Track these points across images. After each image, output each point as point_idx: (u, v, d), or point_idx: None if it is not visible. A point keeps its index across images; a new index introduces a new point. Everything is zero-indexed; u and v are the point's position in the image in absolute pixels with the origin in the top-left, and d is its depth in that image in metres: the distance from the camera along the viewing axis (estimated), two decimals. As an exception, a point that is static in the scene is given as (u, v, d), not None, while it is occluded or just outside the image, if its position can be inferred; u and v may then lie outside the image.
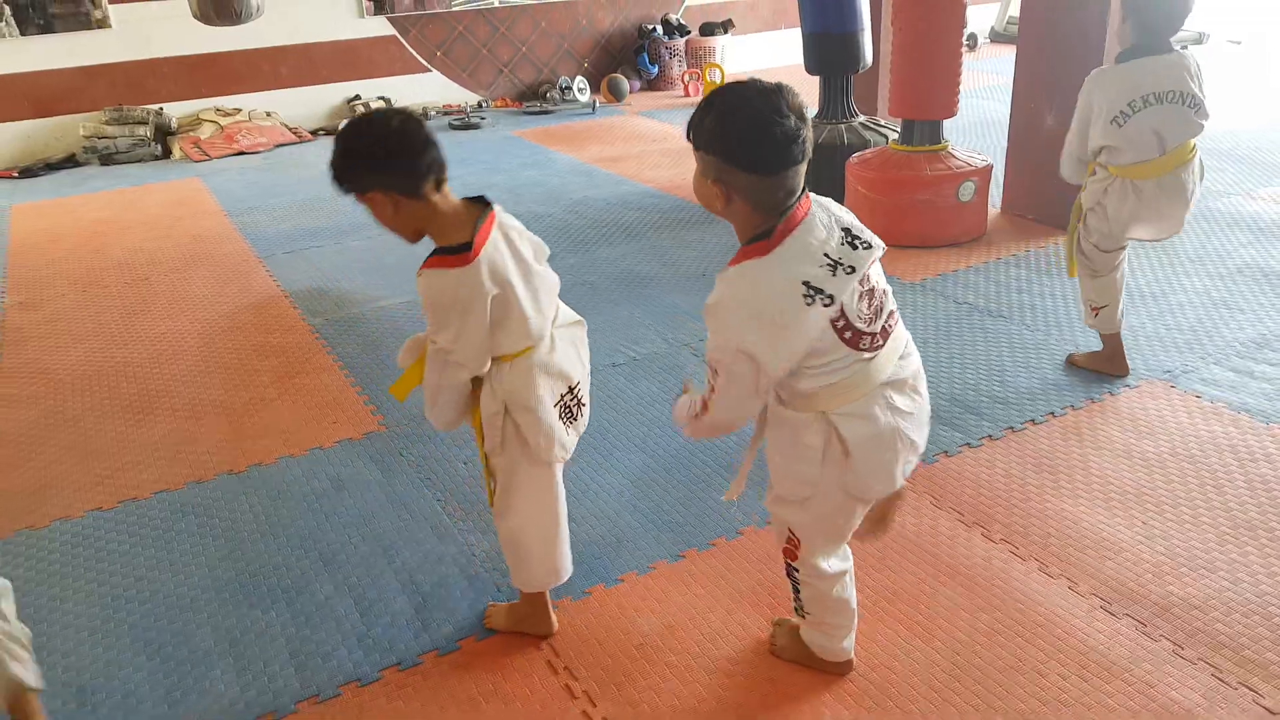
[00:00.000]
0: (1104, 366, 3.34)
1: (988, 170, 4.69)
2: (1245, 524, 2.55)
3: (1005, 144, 5.18)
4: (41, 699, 1.88)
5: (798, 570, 1.98)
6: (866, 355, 1.70)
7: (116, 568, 2.64)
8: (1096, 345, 3.42)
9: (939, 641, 2.20)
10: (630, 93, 9.32)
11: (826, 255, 1.64)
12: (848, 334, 1.66)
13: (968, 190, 4.58)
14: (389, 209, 1.91)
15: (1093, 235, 3.11)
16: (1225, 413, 3.08)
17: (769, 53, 10.30)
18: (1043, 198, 4.89)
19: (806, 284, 1.62)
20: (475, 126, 8.31)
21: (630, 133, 7.85)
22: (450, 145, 7.55)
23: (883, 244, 1.74)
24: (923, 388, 1.83)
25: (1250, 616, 2.23)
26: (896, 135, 4.90)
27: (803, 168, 1.63)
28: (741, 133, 1.59)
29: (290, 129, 8.15)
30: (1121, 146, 2.94)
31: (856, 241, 1.68)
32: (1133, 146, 2.93)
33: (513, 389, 2.01)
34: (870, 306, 1.69)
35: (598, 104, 8.94)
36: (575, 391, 2.11)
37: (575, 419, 2.12)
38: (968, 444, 2.99)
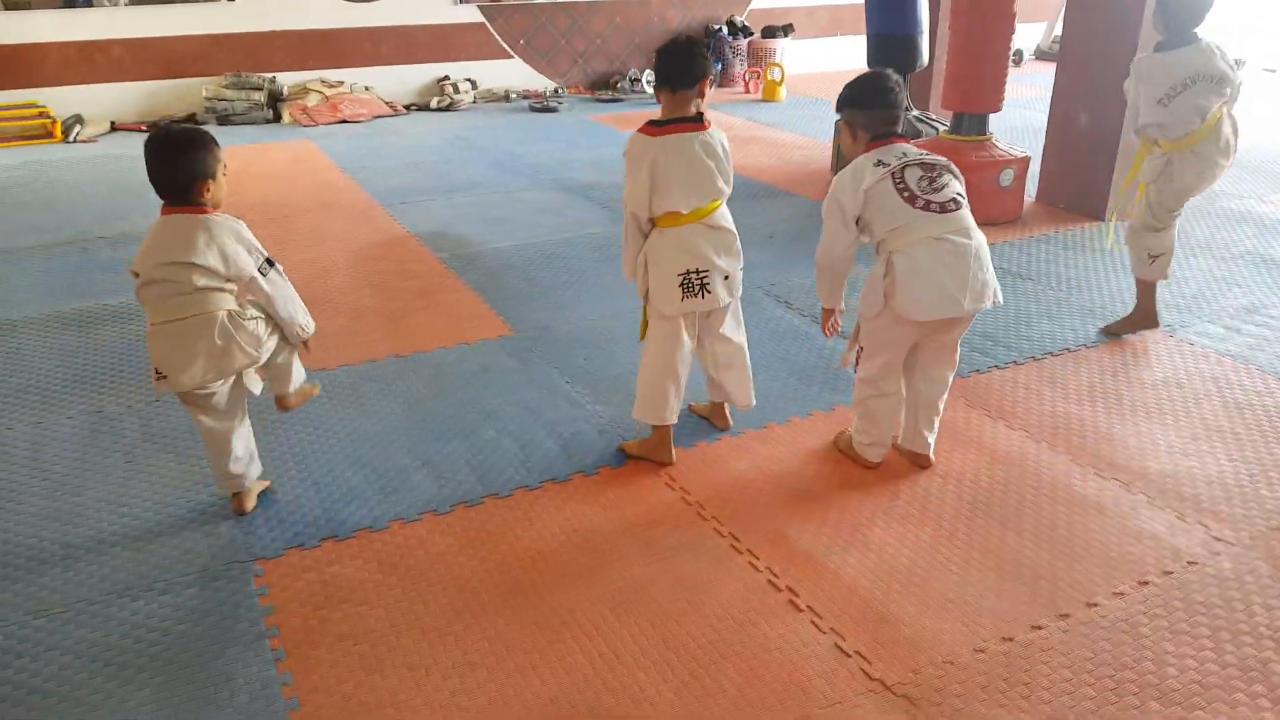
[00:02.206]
0: (1138, 324, 3.94)
1: (1025, 161, 5.36)
2: (1215, 428, 3.22)
3: (1041, 145, 5.84)
4: (287, 487, 2.66)
5: (857, 373, 2.89)
6: (921, 214, 2.64)
7: (320, 414, 3.37)
8: (1118, 314, 4.06)
9: (965, 488, 2.89)
10: (695, 87, 10.02)
11: (899, 154, 2.72)
12: (905, 194, 2.66)
13: (1007, 176, 5.26)
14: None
15: (1162, 200, 3.71)
16: (1212, 356, 3.74)
17: (825, 56, 10.99)
18: (1073, 189, 5.55)
19: (878, 160, 2.71)
20: (553, 110, 9.06)
21: (697, 122, 8.56)
22: (533, 125, 8.56)
23: (953, 169, 2.70)
24: (970, 261, 2.65)
25: (1210, 485, 2.90)
26: (947, 127, 5.59)
27: (894, 114, 2.70)
28: (862, 87, 2.78)
29: (386, 103, 8.94)
30: (1169, 123, 3.58)
31: (928, 155, 2.71)
32: (1180, 122, 3.57)
33: (651, 246, 2.83)
34: (931, 185, 2.67)
35: (666, 95, 9.65)
36: (701, 273, 2.81)
37: (695, 294, 2.83)
38: (995, 365, 3.68)
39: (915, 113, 6.23)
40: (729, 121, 8.48)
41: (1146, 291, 3.89)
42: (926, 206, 2.65)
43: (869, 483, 2.91)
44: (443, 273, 4.76)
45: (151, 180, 2.49)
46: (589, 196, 6.09)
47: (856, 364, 2.94)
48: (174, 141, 2.49)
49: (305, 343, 2.77)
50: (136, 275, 2.52)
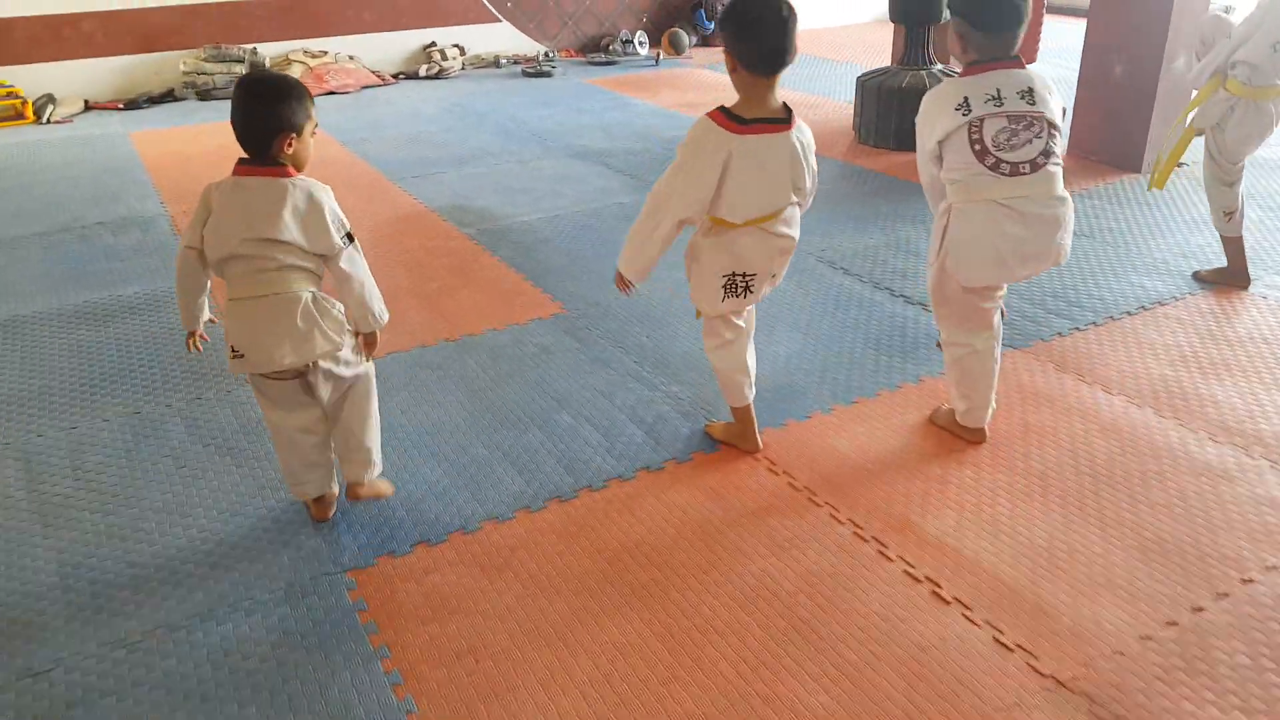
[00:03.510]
0: (1230, 280, 3.82)
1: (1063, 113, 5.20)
2: (1318, 385, 3.11)
3: (1073, 97, 5.69)
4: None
5: (940, 334, 2.80)
6: (988, 174, 2.45)
7: (383, 406, 3.15)
8: (1182, 270, 3.94)
9: (1082, 460, 2.75)
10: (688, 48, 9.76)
11: (992, 94, 2.44)
12: (977, 147, 2.45)
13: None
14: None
15: (1224, 150, 3.60)
16: (1291, 309, 3.63)
17: (816, 12, 10.74)
18: (1110, 141, 5.41)
19: (965, 98, 2.45)
20: (547, 74, 8.76)
21: (698, 82, 8.33)
22: (530, 91, 8.25)
23: (1059, 117, 2.48)
24: (1037, 229, 2.49)
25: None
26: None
27: (1010, 37, 2.46)
28: (982, 3, 2.47)
29: (373, 72, 8.59)
30: (1266, 68, 3.44)
31: (1029, 97, 2.44)
32: (1277, 71, 3.43)
33: (700, 245, 2.58)
34: (1009, 141, 2.44)
35: (660, 56, 9.39)
36: (748, 278, 2.57)
37: (737, 296, 2.60)
38: (1076, 328, 3.54)
39: (939, 66, 6.04)
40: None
41: (1234, 249, 3.77)
42: (995, 166, 2.44)
43: (979, 459, 2.76)
44: (474, 249, 4.52)
45: (234, 127, 2.26)
46: (607, 164, 5.85)
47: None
48: (263, 87, 2.25)
49: (369, 339, 2.48)
50: (201, 254, 2.29)
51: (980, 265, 2.54)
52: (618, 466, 2.79)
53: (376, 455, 2.55)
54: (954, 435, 2.85)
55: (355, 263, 2.37)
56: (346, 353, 2.40)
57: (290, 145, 2.26)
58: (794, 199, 2.51)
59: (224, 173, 2.30)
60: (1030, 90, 2.46)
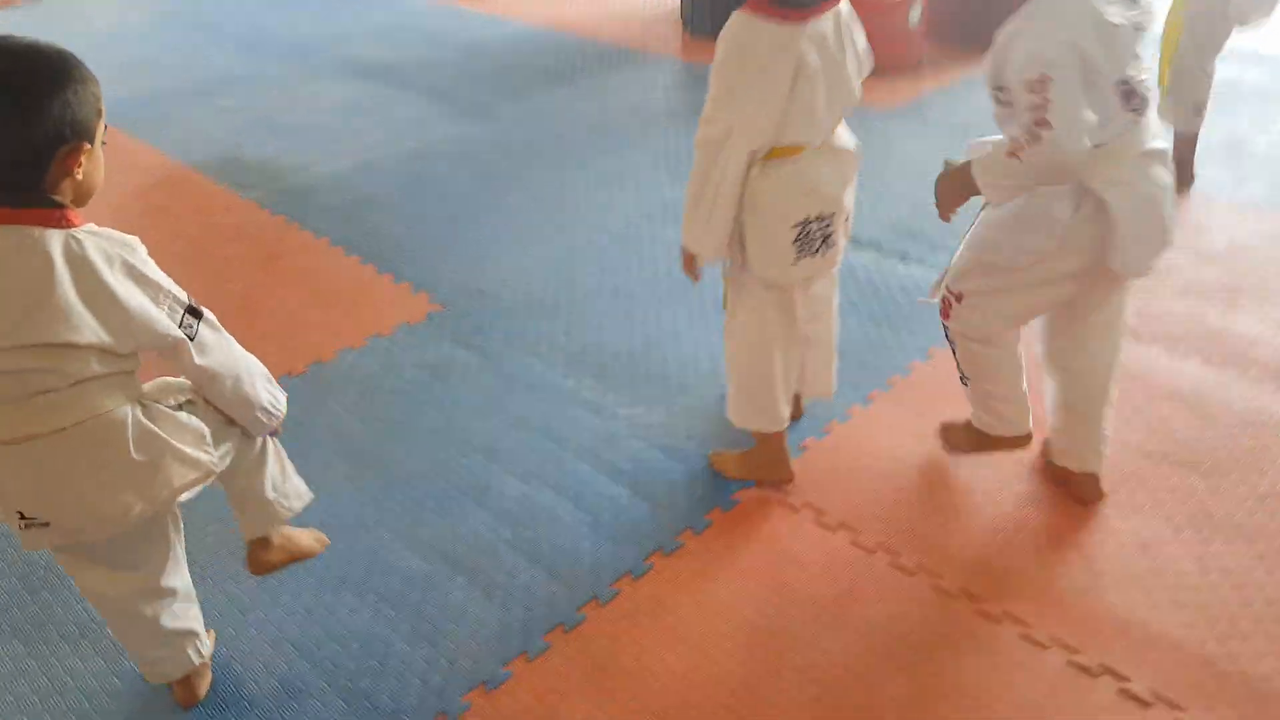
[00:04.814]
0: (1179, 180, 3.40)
1: (925, -7, 4.67)
2: (1329, 302, 2.80)
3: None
4: (243, 643, 1.50)
5: (952, 326, 1.96)
6: (1131, 118, 1.68)
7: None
8: None
9: (1202, 464, 2.26)
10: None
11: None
12: (1124, 86, 1.64)
13: (916, 14, 4.56)
14: None
15: (1214, 33, 3.14)
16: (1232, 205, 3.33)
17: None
18: (968, 21, 4.94)
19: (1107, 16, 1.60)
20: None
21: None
22: None
23: None
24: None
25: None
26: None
27: None
28: None
29: (43, -26, 6.64)
30: None
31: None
32: None
33: (758, 188, 1.81)
34: (1139, 67, 1.69)
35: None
36: (825, 220, 1.87)
37: (814, 252, 1.90)
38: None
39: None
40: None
41: (1189, 146, 3.39)
42: (1137, 104, 1.70)
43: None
44: (273, 223, 3.37)
45: None
46: (402, 83, 4.71)
47: (945, 319, 1.99)
48: (14, 64, 1.21)
49: (275, 430, 1.60)
50: None
51: (1155, 244, 1.78)
52: (618, 556, 1.98)
53: (291, 497, 1.68)
54: (991, 449, 2.13)
55: (213, 348, 1.42)
56: (219, 452, 1.48)
57: (79, 165, 1.26)
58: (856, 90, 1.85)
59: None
60: None
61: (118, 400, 1.33)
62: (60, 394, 1.27)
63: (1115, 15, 1.59)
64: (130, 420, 1.34)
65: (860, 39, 1.84)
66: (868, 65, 1.86)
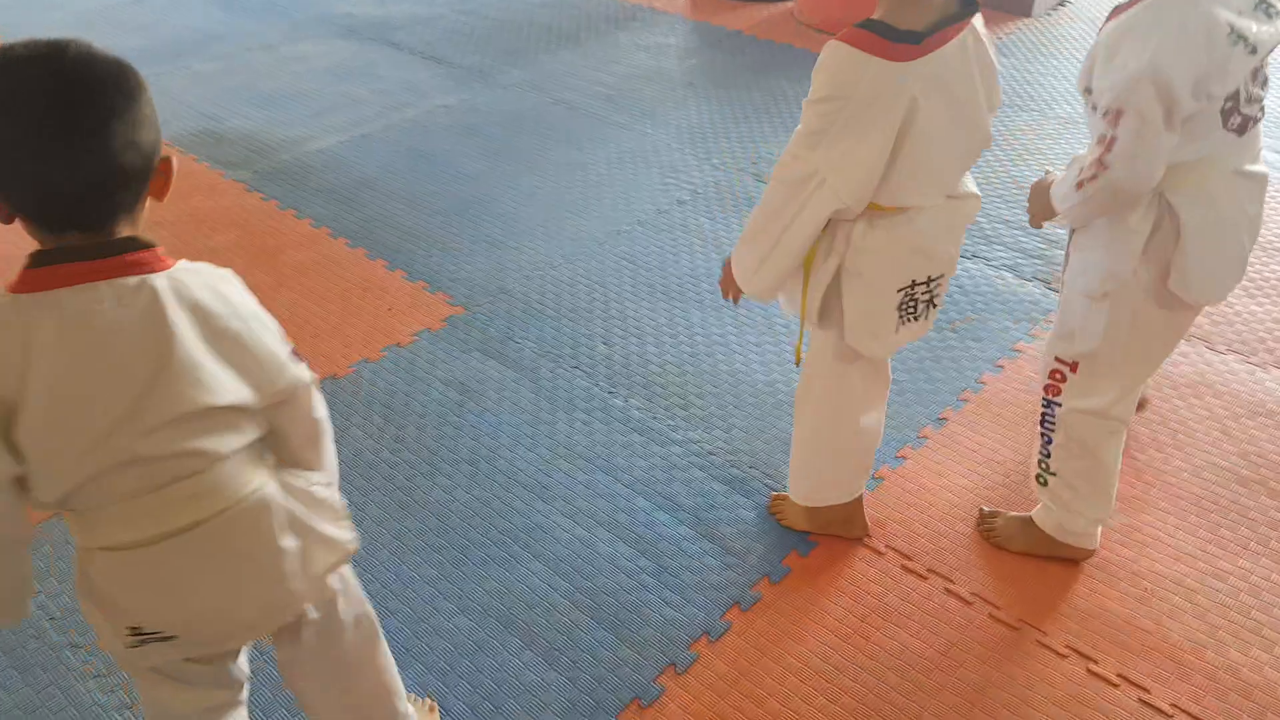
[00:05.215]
0: None
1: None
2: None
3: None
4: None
5: (1059, 406, 1.73)
6: (1227, 136, 1.49)
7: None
8: None
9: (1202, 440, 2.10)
10: None
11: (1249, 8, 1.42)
12: (1229, 104, 1.46)
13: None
14: None
15: None
16: None
17: None
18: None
19: (1230, 26, 1.39)
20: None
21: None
22: None
23: None
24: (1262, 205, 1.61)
25: None
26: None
27: None
28: None
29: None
30: None
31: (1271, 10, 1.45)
32: None
33: (863, 247, 1.54)
34: (1256, 80, 1.49)
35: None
36: (934, 282, 1.63)
37: (916, 318, 1.66)
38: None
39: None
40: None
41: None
42: (1241, 126, 1.50)
43: (1147, 498, 2.03)
44: (264, 209, 3.08)
45: (19, 186, 0.97)
46: (397, 44, 4.37)
47: (1053, 395, 1.74)
48: (92, 73, 0.98)
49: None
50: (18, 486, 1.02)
51: (1216, 270, 1.60)
52: (689, 614, 1.78)
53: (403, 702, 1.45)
54: (1062, 556, 1.89)
55: (319, 398, 1.20)
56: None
57: (165, 187, 1.06)
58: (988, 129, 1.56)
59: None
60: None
61: (261, 476, 1.11)
62: (201, 478, 1.05)
63: (1245, 25, 1.39)
64: (273, 503, 1.11)
65: (993, 62, 1.50)
66: (998, 95, 1.54)
